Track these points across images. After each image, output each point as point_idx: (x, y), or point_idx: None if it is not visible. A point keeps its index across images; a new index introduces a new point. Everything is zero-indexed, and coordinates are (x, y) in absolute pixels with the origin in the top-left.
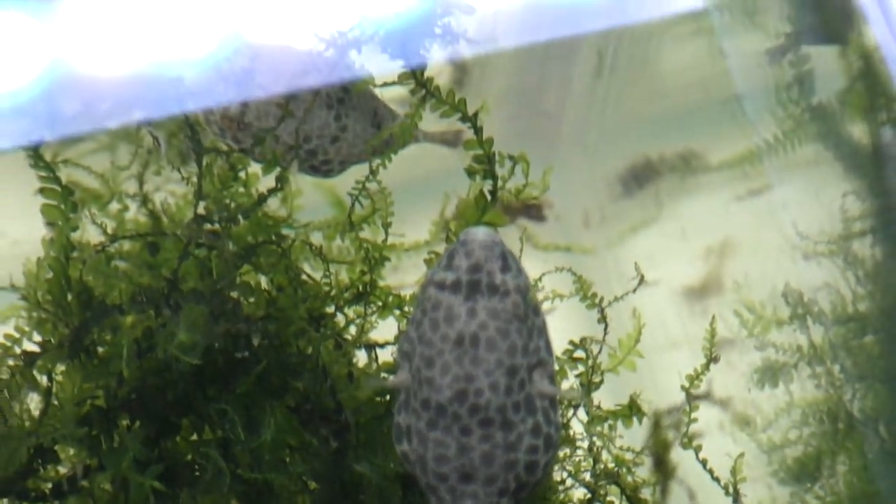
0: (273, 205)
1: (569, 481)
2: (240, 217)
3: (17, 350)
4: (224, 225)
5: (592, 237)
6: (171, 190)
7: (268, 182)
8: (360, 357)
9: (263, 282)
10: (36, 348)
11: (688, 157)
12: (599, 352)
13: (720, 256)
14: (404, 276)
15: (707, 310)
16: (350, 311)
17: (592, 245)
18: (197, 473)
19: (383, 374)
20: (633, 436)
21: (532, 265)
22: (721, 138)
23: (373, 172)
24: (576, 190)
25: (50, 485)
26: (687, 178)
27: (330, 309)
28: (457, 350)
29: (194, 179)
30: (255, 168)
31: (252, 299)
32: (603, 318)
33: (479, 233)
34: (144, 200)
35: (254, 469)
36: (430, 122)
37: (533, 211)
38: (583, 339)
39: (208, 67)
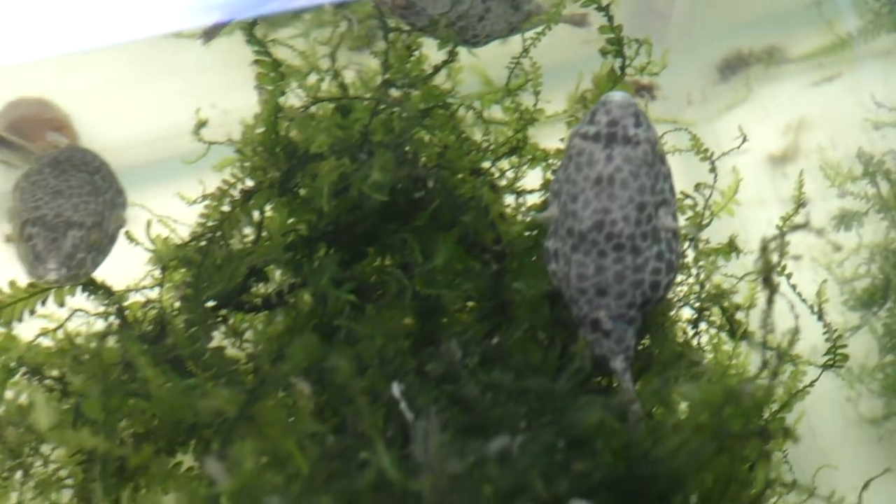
0: (439, 80)
1: (680, 303)
2: (417, 84)
3: (234, 192)
4: (405, 91)
5: (694, 113)
6: (360, 61)
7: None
8: (510, 201)
9: (434, 139)
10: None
11: (771, 50)
12: (710, 196)
13: (797, 131)
14: (548, 138)
15: (787, 174)
16: (504, 164)
17: (694, 120)
18: (380, 292)
19: (534, 213)
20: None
21: None
22: (800, 36)
23: (525, 51)
24: (680, 75)
25: (260, 299)
26: (770, 68)
27: (487, 162)
28: (596, 188)
29: (379, 56)
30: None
31: (425, 152)
32: (713, 169)
33: (617, 95)
34: (336, 74)
35: (428, 287)
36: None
37: (646, 90)
38: (697, 185)
39: None
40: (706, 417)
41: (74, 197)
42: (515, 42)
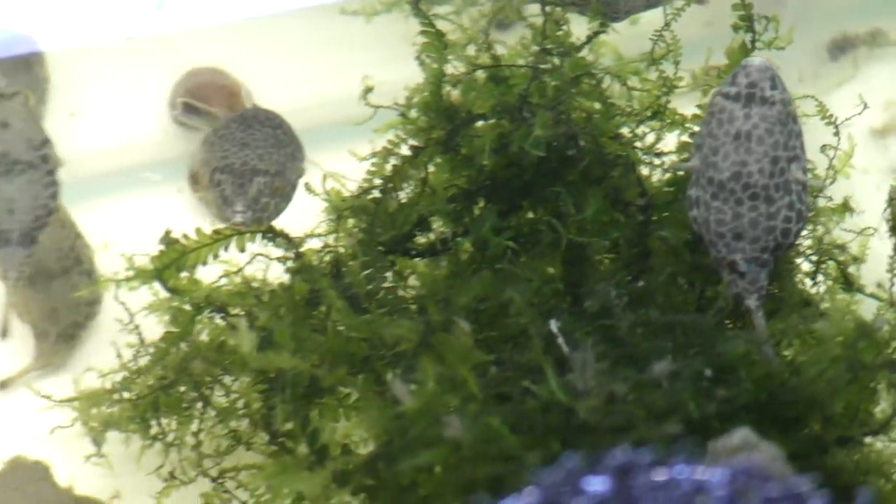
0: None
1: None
2: (571, 53)
3: (400, 150)
4: (560, 59)
5: (805, 89)
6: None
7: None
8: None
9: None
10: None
11: (875, 33)
12: (833, 157)
13: None
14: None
15: (888, 146)
16: (645, 128)
17: (806, 94)
18: (533, 241)
19: (678, 164)
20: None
21: None
22: None
23: (667, 24)
24: (793, 54)
25: (424, 246)
26: (875, 49)
27: (628, 127)
28: (735, 142)
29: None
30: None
31: (574, 115)
32: (836, 133)
33: (756, 60)
34: (488, 47)
35: (579, 235)
36: None
37: None
38: (823, 146)
39: None
40: (839, 350)
41: (259, 148)
42: (645, 19)
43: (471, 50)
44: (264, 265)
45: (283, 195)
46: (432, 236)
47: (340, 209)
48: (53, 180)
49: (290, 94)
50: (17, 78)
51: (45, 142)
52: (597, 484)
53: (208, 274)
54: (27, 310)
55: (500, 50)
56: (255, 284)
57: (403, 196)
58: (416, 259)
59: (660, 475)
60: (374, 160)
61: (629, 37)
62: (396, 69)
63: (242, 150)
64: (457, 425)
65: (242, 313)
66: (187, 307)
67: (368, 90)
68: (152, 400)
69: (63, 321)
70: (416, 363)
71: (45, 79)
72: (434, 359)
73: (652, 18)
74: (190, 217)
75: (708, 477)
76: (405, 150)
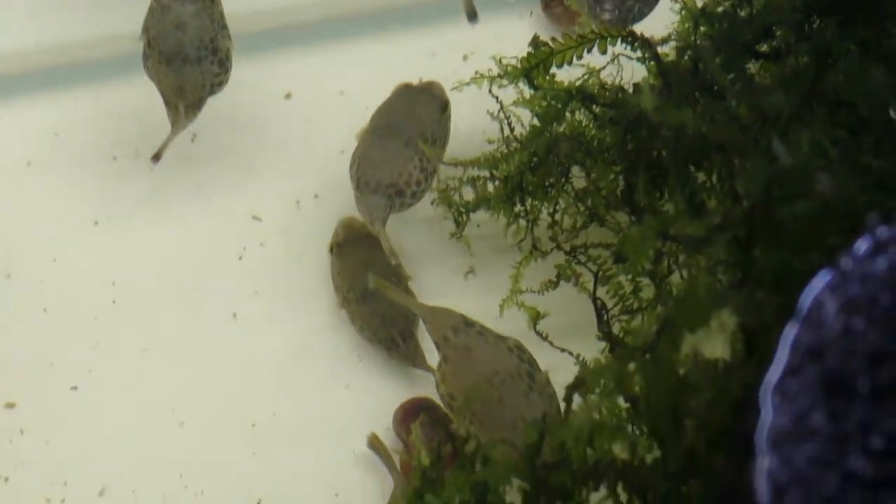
0: None
1: None
2: None
3: None
4: None
5: None
6: None
7: None
8: None
9: None
10: None
11: None
12: None
13: None
14: None
15: None
16: None
17: None
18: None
19: None
20: None
21: None
22: None
23: None
24: None
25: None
26: None
27: None
28: None
29: None
30: None
31: None
32: None
33: None
34: None
35: None
36: None
37: None
38: None
39: None
40: None
41: None
42: None
43: None
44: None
45: (646, 1)
46: (775, 43)
47: (696, 16)
48: None
49: None
50: None
51: None
52: None
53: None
54: (159, 82)
55: None
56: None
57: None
58: (762, 60)
59: None
60: None
61: None
62: None
63: None
64: (826, 182)
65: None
66: (555, 102)
67: None
68: (520, 180)
69: (189, 97)
70: (791, 128)
71: None
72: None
73: None
74: None
75: None
76: None
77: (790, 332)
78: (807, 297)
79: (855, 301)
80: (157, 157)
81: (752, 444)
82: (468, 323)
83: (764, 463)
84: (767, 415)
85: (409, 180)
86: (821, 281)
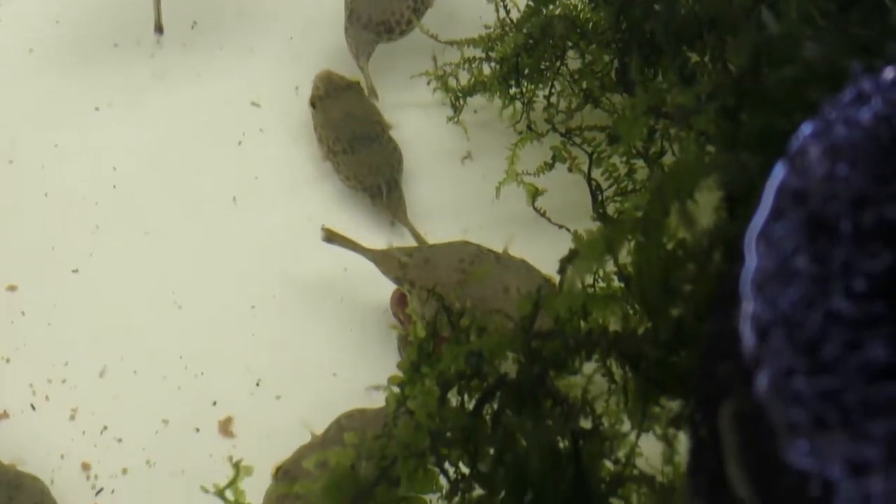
0: None
1: None
2: None
3: None
4: None
5: None
6: None
7: None
8: None
9: None
10: None
11: None
12: None
13: None
14: None
15: None
16: None
17: None
18: None
19: None
20: None
21: None
22: None
23: None
24: None
25: None
26: None
27: None
28: None
29: None
30: None
31: None
32: None
33: None
34: None
35: None
36: None
37: None
38: None
39: None
40: None
41: None
42: None
43: None
44: None
45: None
46: None
47: None
48: None
49: None
50: None
51: None
52: None
53: None
54: None
55: None
56: None
57: None
58: None
59: None
60: None
61: None
62: None
63: None
64: (813, 49)
65: None
66: None
67: None
68: (515, 62)
69: None
70: None
71: None
72: None
73: None
74: None
75: None
76: None
77: (775, 178)
78: (792, 146)
79: (838, 146)
80: (159, 30)
81: (736, 295)
82: (413, 251)
83: (748, 307)
84: (752, 260)
85: (399, 19)
86: (806, 129)
